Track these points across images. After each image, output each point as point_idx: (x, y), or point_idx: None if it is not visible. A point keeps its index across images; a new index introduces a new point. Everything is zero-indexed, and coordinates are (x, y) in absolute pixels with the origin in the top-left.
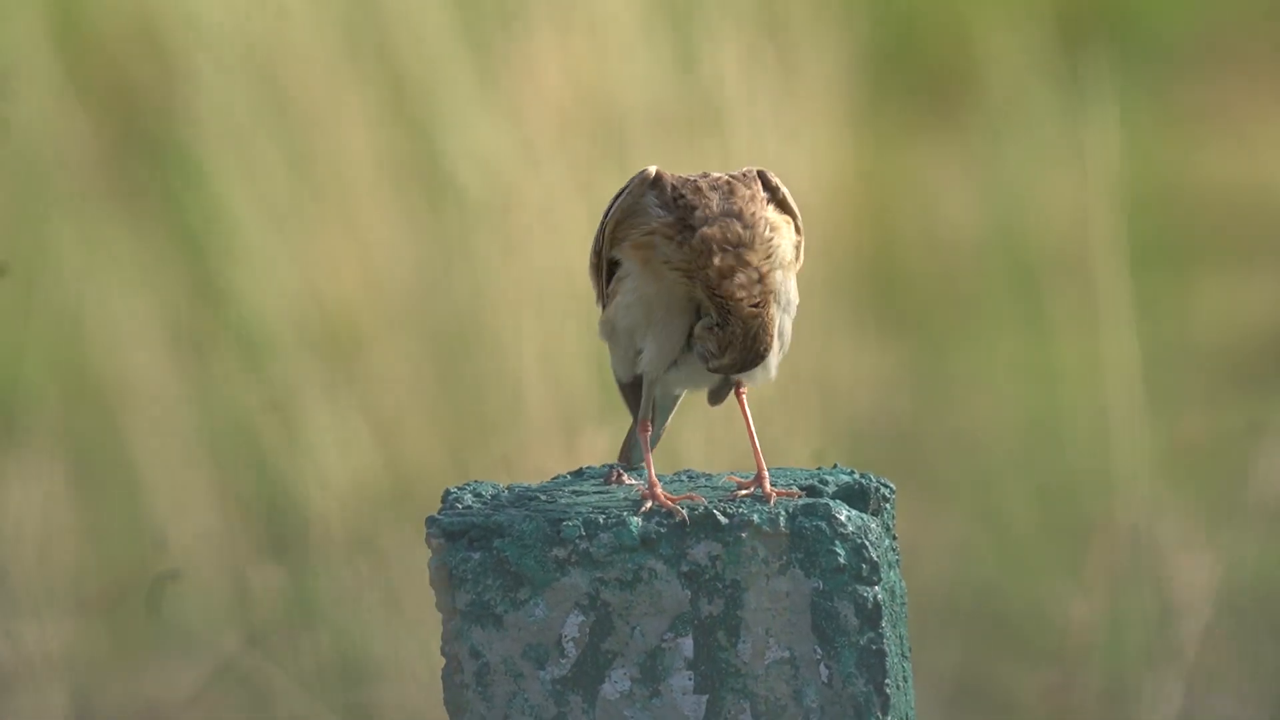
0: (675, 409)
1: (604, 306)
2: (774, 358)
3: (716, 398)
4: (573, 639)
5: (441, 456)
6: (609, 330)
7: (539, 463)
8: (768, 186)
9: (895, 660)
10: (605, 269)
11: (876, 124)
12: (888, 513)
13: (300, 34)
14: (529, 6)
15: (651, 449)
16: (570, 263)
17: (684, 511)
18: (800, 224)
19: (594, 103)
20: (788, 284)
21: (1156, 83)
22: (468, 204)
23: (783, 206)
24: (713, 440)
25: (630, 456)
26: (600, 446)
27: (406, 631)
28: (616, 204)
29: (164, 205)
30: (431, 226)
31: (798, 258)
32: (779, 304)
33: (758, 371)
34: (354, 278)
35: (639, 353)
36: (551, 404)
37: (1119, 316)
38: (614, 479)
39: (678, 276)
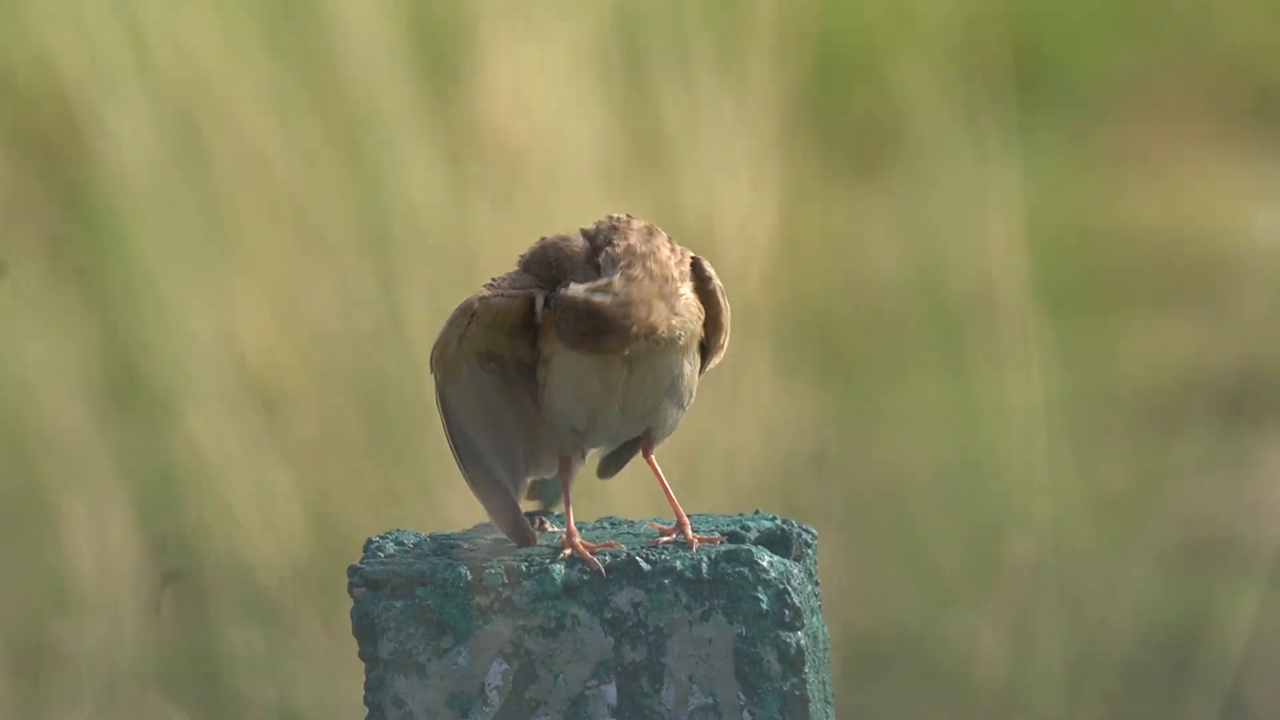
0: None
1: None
2: (669, 421)
3: (607, 470)
4: (496, 687)
5: (364, 509)
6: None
7: (462, 513)
8: (700, 275)
9: (819, 706)
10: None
11: (801, 169)
12: (810, 558)
13: (220, 75)
14: (468, 38)
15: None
16: None
17: (599, 562)
18: (726, 321)
19: (539, 143)
20: (683, 366)
21: (1074, 127)
22: (399, 251)
23: (709, 298)
24: (636, 482)
25: (542, 494)
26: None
27: (331, 682)
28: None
29: (77, 253)
30: (360, 275)
31: (711, 353)
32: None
33: (661, 428)
34: (276, 329)
35: (572, 429)
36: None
37: (1039, 359)
38: (535, 527)
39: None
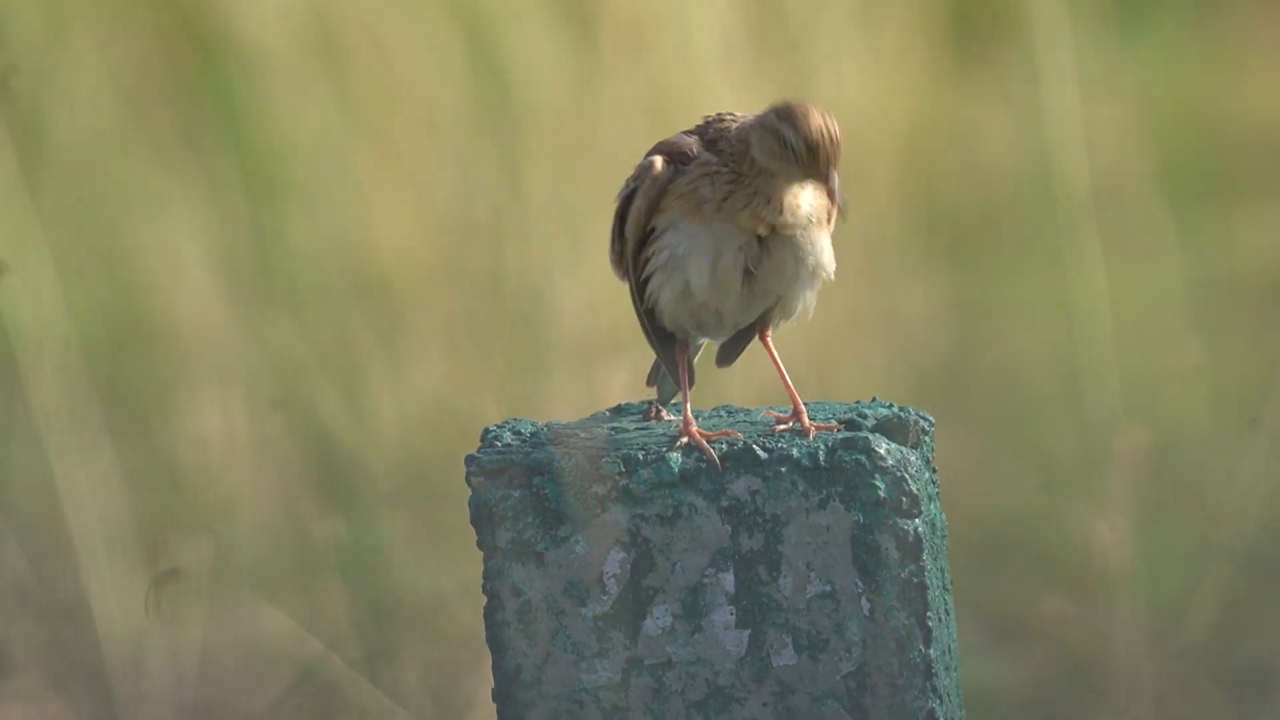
0: (699, 352)
1: (635, 282)
2: (799, 300)
3: (725, 358)
4: (614, 575)
5: (485, 398)
6: (659, 282)
7: (578, 402)
8: None
9: (937, 593)
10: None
11: (922, 59)
12: (927, 446)
13: None
14: None
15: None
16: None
17: (714, 452)
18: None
19: (666, 26)
20: (820, 238)
21: (1195, 14)
22: (522, 137)
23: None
24: (751, 372)
25: (660, 388)
26: (638, 383)
27: (449, 570)
28: (638, 192)
29: (214, 147)
30: (483, 162)
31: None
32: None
33: (789, 305)
34: (404, 218)
35: (686, 284)
36: (597, 344)
37: (1160, 248)
38: (653, 415)
39: (726, 215)
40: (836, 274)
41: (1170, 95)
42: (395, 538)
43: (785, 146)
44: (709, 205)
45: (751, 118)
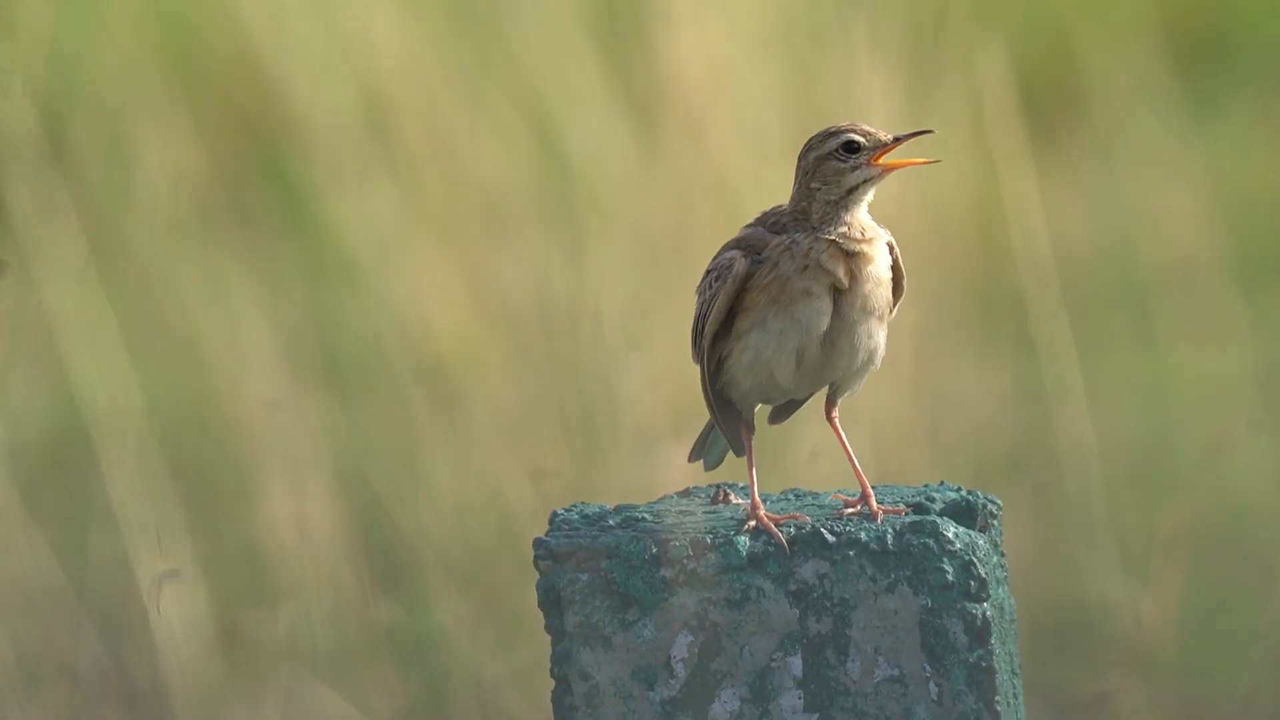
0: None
1: (709, 368)
2: (858, 382)
3: (778, 417)
4: (682, 659)
5: (545, 482)
6: (740, 374)
7: (646, 485)
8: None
9: (1005, 677)
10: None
11: (994, 144)
12: (995, 529)
13: (409, 56)
14: (650, 11)
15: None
16: (697, 270)
17: (782, 535)
18: (904, 287)
19: (725, 109)
20: (879, 332)
21: (1267, 99)
22: (585, 226)
23: (894, 270)
24: (819, 456)
25: (706, 457)
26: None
27: (509, 655)
28: (718, 293)
29: (278, 233)
30: (546, 250)
31: (890, 311)
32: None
33: (850, 382)
34: (467, 305)
35: (771, 376)
36: (659, 428)
37: (1233, 332)
38: (720, 498)
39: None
40: (906, 356)
41: (1239, 180)
42: (455, 621)
43: (849, 149)
44: (794, 280)
45: (794, 186)
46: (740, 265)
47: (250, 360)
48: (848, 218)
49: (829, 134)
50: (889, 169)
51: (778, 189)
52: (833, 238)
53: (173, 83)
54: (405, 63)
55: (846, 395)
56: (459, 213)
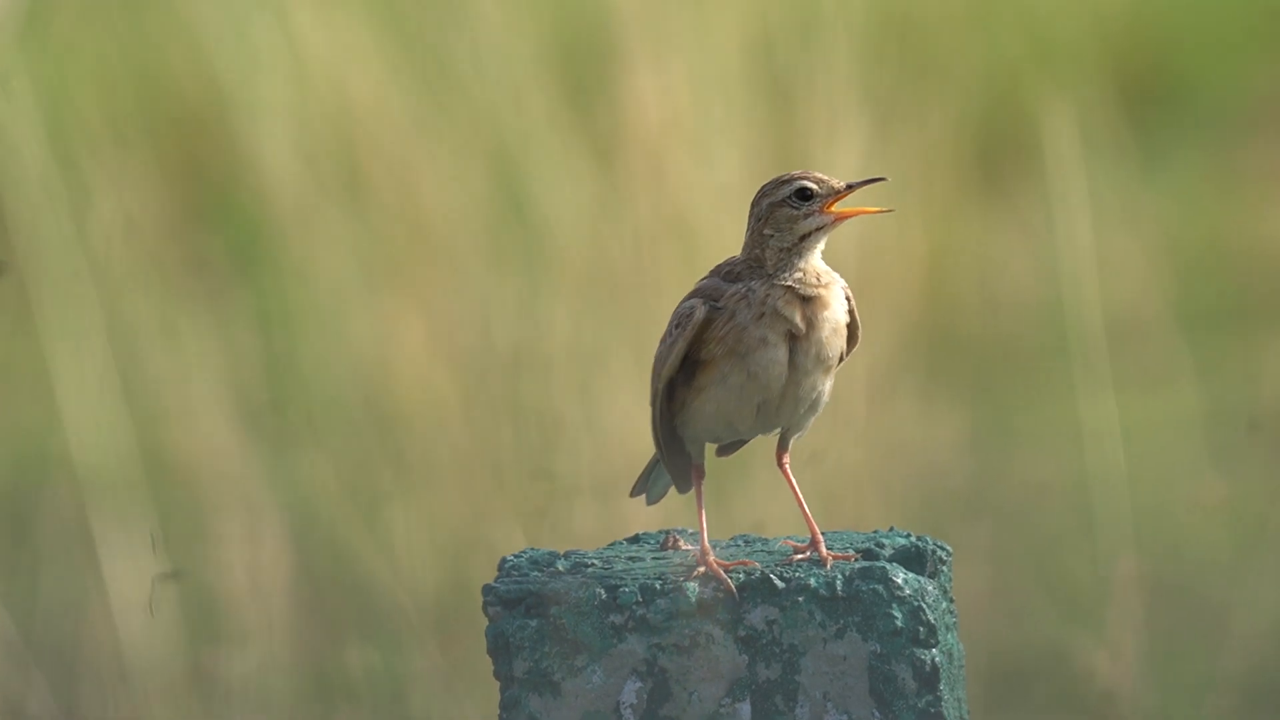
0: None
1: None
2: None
3: (725, 450)
4: (630, 705)
5: (504, 527)
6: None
7: (596, 531)
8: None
9: None
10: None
11: (940, 191)
12: (945, 575)
13: (367, 100)
14: (620, 47)
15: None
16: (654, 312)
17: (731, 581)
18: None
19: (685, 155)
20: (830, 378)
21: (1213, 145)
22: (542, 270)
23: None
24: (770, 502)
25: (649, 492)
26: (655, 512)
27: (470, 701)
28: (676, 340)
29: (232, 277)
30: (503, 294)
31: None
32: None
33: (800, 424)
34: (422, 349)
35: (730, 426)
36: (616, 474)
37: (1177, 379)
38: (669, 544)
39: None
40: (858, 401)
41: (1187, 227)
42: (416, 668)
43: (802, 196)
44: (751, 329)
45: (747, 234)
46: (700, 312)
47: (201, 408)
48: (802, 264)
49: (782, 181)
50: (842, 217)
51: (736, 232)
52: (788, 283)
53: (126, 126)
54: (364, 105)
55: (796, 437)
56: (417, 255)
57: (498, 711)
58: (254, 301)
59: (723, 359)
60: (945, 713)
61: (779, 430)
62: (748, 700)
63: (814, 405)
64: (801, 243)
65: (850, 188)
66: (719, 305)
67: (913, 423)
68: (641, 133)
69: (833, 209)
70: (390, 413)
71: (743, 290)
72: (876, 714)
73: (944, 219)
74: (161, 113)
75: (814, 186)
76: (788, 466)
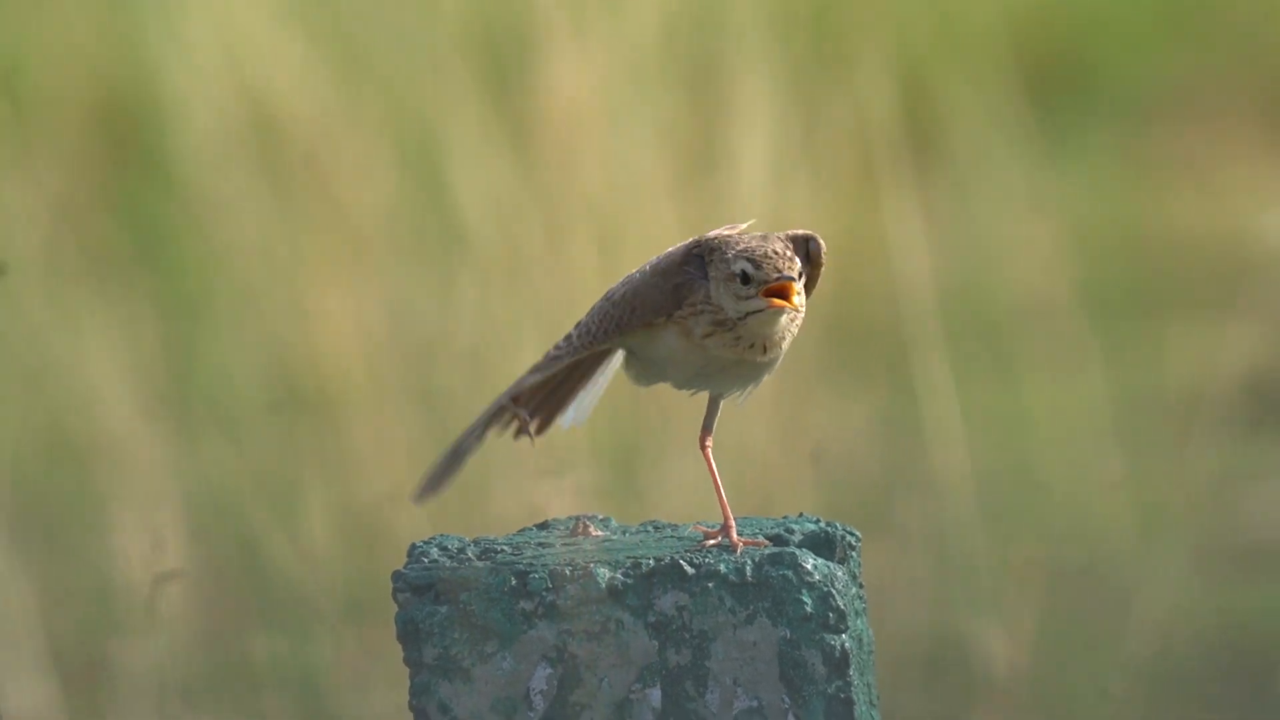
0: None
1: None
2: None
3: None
4: (541, 691)
5: (418, 514)
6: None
7: (507, 518)
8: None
9: (864, 708)
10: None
11: (849, 177)
12: (854, 561)
13: (281, 87)
14: (537, 34)
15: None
16: (569, 300)
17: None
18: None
19: (603, 145)
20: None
21: (1122, 133)
22: (456, 259)
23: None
24: (682, 489)
25: (576, 416)
26: (573, 500)
27: (385, 689)
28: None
29: (137, 263)
30: (415, 283)
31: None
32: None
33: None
34: (338, 336)
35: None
36: (533, 461)
37: (1084, 364)
38: (579, 530)
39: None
40: (763, 388)
41: (1094, 213)
42: (325, 657)
43: (743, 280)
44: (699, 343)
45: (715, 269)
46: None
47: (109, 395)
48: (756, 336)
49: (733, 250)
50: (777, 308)
51: (650, 217)
52: (738, 334)
53: (30, 107)
54: (278, 90)
55: (720, 416)
56: (330, 241)
57: (408, 698)
58: (163, 288)
59: (674, 335)
60: (855, 698)
61: (706, 413)
62: (658, 686)
63: (749, 388)
64: (747, 316)
65: (783, 291)
66: (679, 313)
67: (821, 409)
68: (557, 117)
69: (772, 300)
70: (301, 400)
71: (701, 304)
72: (786, 699)
73: (852, 205)
74: (71, 97)
75: (751, 272)
76: (710, 450)
